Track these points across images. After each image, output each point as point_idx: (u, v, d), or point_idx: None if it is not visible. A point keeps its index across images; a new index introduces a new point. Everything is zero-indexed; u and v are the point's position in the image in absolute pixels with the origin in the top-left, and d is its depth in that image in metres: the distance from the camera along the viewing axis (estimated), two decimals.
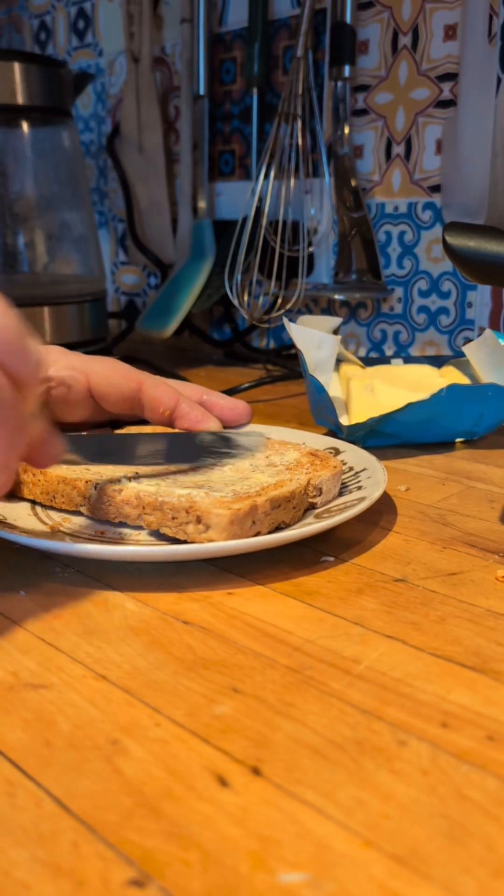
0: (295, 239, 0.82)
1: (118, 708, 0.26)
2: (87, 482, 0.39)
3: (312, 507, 0.41)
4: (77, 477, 0.40)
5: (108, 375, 0.48)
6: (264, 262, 0.82)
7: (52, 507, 0.41)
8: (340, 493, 0.42)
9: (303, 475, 0.40)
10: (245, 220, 0.81)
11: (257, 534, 0.36)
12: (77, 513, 0.40)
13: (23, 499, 0.43)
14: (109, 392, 0.48)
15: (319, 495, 0.41)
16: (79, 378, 0.47)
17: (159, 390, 0.48)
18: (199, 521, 0.35)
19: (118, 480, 0.39)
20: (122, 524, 0.39)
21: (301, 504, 0.39)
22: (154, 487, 0.38)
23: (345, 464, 0.45)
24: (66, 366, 0.47)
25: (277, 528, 0.38)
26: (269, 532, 0.37)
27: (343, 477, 0.44)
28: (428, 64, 0.76)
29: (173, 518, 0.36)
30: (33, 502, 0.42)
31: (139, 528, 0.39)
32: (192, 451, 0.45)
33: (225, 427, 0.49)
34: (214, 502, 0.36)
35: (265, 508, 0.36)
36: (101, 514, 0.39)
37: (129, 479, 0.39)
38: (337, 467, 0.42)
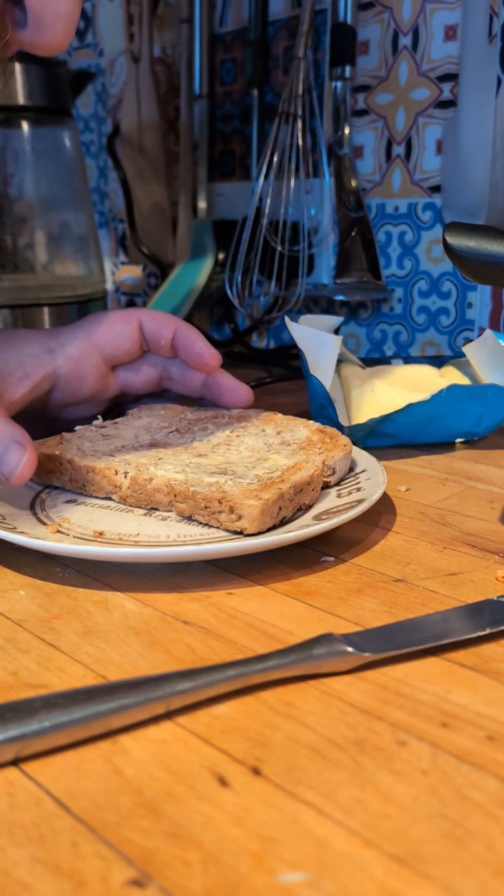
0: (295, 239, 0.82)
1: None
2: (115, 471, 0.41)
3: (326, 485, 0.42)
4: (105, 466, 0.41)
5: (110, 329, 0.49)
6: (264, 262, 0.82)
7: (52, 507, 0.41)
8: (340, 495, 0.42)
9: (317, 455, 0.42)
10: (245, 220, 0.81)
11: (283, 519, 0.38)
12: (76, 509, 0.40)
13: (26, 497, 0.43)
14: (119, 342, 0.49)
15: (333, 474, 0.42)
16: (84, 345, 0.48)
17: (157, 321, 0.49)
18: (231, 510, 0.37)
19: (147, 469, 0.40)
20: (124, 524, 0.39)
21: (318, 485, 0.41)
22: (182, 475, 0.39)
23: None
24: (69, 342, 0.49)
25: (298, 510, 0.39)
26: (292, 514, 0.39)
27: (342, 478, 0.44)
28: (428, 64, 0.76)
29: (206, 507, 0.38)
30: (33, 503, 0.42)
31: (139, 528, 0.39)
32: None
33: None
34: (244, 492, 0.37)
35: (290, 494, 0.38)
36: (132, 501, 0.41)
37: (156, 466, 0.41)
38: (347, 446, 0.44)
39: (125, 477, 0.40)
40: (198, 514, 0.38)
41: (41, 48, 0.35)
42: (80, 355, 0.48)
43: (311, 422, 0.47)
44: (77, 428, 0.48)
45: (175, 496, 0.39)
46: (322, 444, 0.43)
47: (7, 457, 0.38)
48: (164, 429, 0.47)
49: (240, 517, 0.36)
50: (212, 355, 0.49)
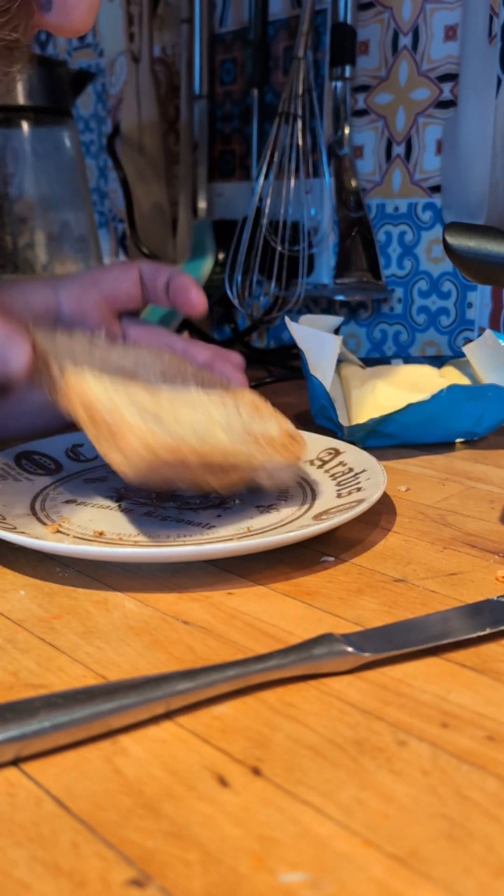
0: (295, 239, 0.82)
1: None
2: (60, 366, 0.38)
3: (259, 488, 0.40)
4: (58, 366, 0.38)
5: (110, 271, 0.52)
6: (264, 262, 0.82)
7: (52, 507, 0.41)
8: (340, 495, 0.42)
9: (257, 451, 0.39)
10: (245, 220, 0.81)
11: (173, 492, 0.35)
12: (76, 509, 0.40)
13: (24, 498, 0.43)
14: (119, 283, 0.52)
15: (269, 479, 0.40)
16: (84, 282, 0.51)
17: (153, 268, 0.53)
18: (113, 436, 0.34)
19: (82, 375, 0.37)
20: (124, 524, 0.39)
21: (239, 476, 0.38)
22: (105, 394, 0.36)
23: (344, 464, 0.46)
24: (70, 280, 0.51)
25: (206, 497, 0.37)
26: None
27: (342, 478, 0.44)
28: (428, 64, 0.76)
29: (94, 429, 0.35)
30: (33, 503, 0.42)
31: (139, 528, 0.39)
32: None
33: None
34: (143, 431, 0.34)
35: (192, 461, 0.35)
36: (49, 396, 0.38)
37: (95, 378, 0.38)
38: (298, 458, 0.41)
39: (59, 373, 0.38)
40: (88, 432, 0.35)
41: (65, 30, 0.36)
42: (80, 291, 0.51)
43: (290, 425, 0.43)
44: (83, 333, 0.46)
45: (84, 408, 0.35)
46: (275, 447, 0.40)
47: (7, 352, 0.38)
48: (154, 368, 0.44)
49: (123, 455, 0.33)
50: (198, 296, 0.52)
